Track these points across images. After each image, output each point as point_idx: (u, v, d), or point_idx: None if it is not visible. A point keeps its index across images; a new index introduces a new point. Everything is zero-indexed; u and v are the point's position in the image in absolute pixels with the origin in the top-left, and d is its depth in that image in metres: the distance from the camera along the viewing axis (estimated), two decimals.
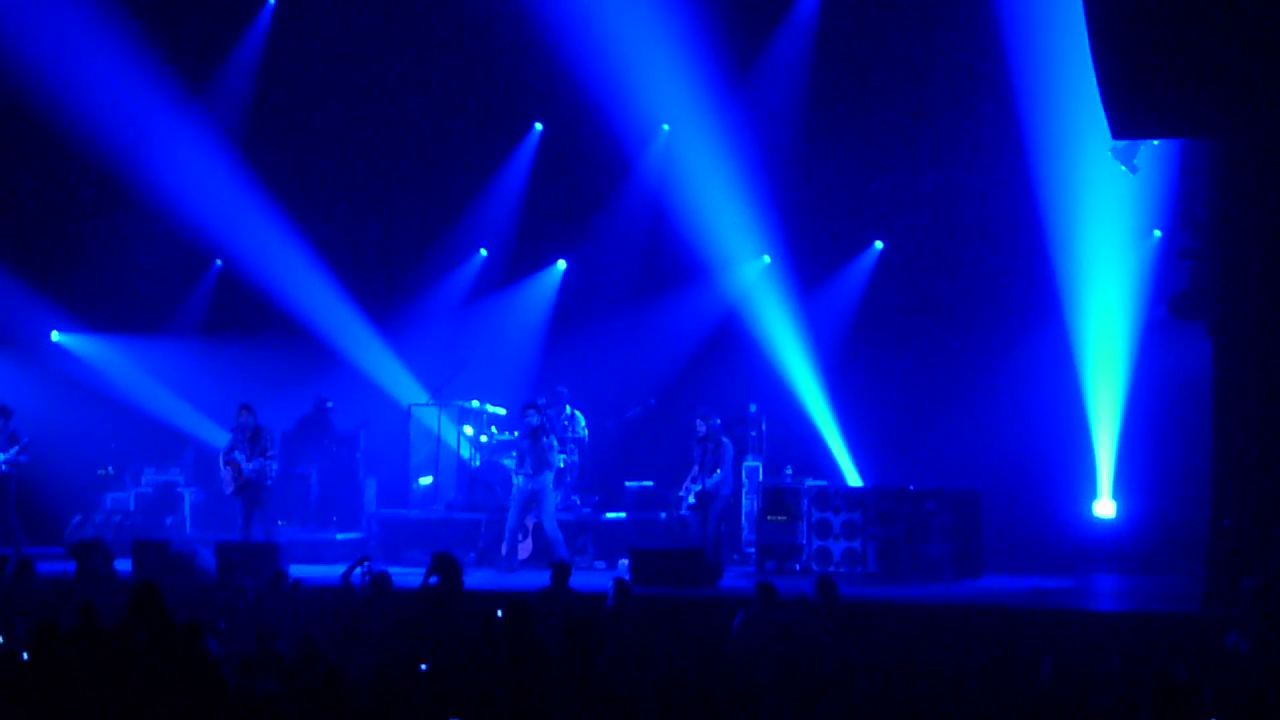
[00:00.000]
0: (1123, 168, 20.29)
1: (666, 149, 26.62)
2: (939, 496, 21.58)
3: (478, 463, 25.20)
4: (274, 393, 25.64)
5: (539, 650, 13.54)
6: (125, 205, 26.69)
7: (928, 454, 24.01)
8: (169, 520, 25.47)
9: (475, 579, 18.90)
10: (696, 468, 22.16)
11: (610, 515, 23.90)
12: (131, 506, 25.70)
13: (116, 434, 26.70)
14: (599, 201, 27.24)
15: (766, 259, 26.04)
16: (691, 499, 22.11)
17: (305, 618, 17.44)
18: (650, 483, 24.12)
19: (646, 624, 16.98)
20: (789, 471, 23.07)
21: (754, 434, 23.92)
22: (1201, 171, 19.22)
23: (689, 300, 26.69)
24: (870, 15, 25.04)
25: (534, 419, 22.37)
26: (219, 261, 27.98)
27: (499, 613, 15.09)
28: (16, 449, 22.97)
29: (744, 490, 23.31)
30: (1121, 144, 19.67)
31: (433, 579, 17.23)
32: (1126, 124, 17.21)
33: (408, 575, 18.69)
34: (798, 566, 21.81)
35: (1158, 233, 22.95)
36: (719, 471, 22.01)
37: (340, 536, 24.46)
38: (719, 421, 22.37)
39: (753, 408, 24.02)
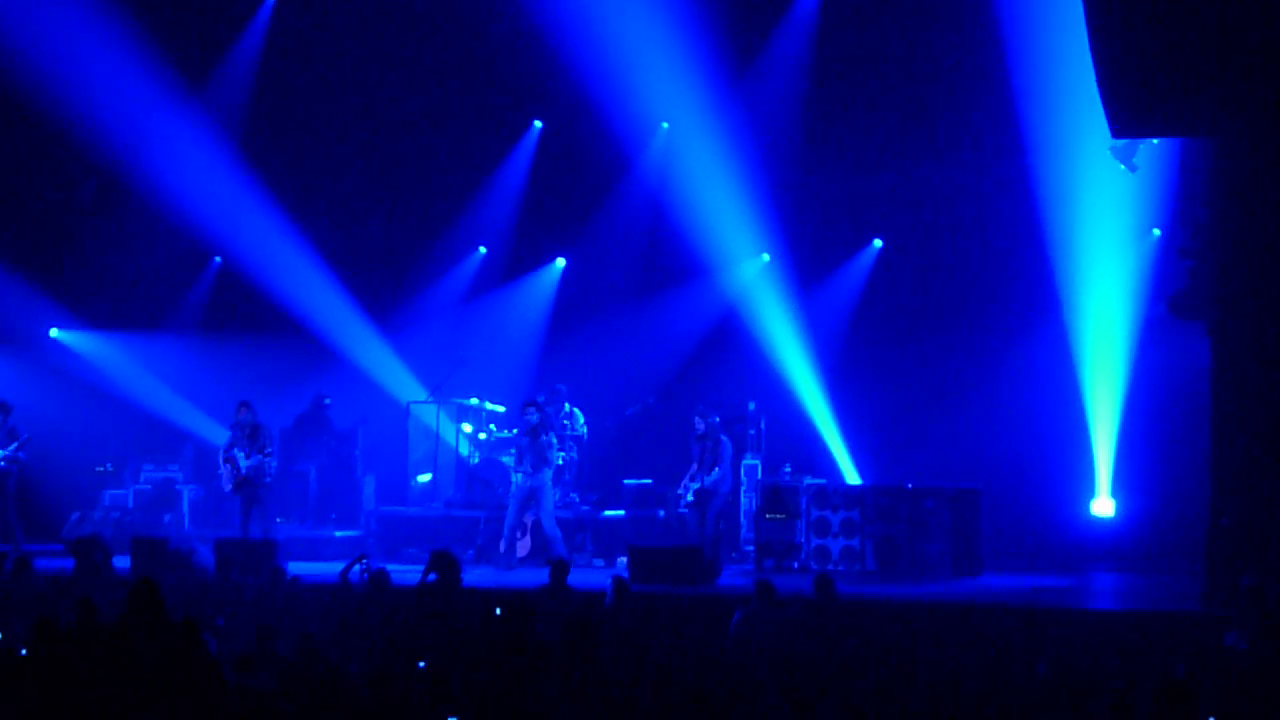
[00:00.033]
0: (1122, 166, 20.29)
1: (666, 147, 26.61)
2: (938, 495, 21.59)
3: (476, 460, 25.20)
4: (273, 390, 25.67)
5: (537, 648, 13.55)
6: (125, 202, 26.69)
7: (927, 452, 24.00)
8: (167, 517, 25.46)
9: (474, 576, 18.92)
10: (695, 465, 22.16)
11: (609, 513, 23.89)
12: (130, 503, 25.69)
13: (115, 431, 26.68)
14: (598, 199, 27.23)
15: (765, 257, 26.03)
16: (690, 497, 22.11)
17: (304, 615, 17.46)
18: (649, 481, 24.11)
19: (645, 622, 16.99)
20: (788, 469, 23.05)
21: (753, 432, 23.90)
22: (1201, 170, 19.21)
23: (688, 298, 26.69)
24: (870, 13, 25.02)
25: (533, 417, 22.37)
26: (218, 258, 27.97)
27: (497, 610, 15.13)
28: (15, 445, 22.97)
29: (743, 488, 23.29)
30: (1121, 143, 19.69)
31: (431, 576, 17.24)
32: (1126, 122, 17.23)
33: (406, 573, 18.70)
34: (796, 564, 21.80)
35: (1157, 231, 22.95)
36: (717, 469, 22.02)
37: (339, 534, 24.45)
38: (718, 419, 22.38)
39: (751, 405, 23.99)
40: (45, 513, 25.14)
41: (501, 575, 21.38)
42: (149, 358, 27.37)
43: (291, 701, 11.86)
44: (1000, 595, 19.54)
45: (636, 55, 24.98)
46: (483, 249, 28.10)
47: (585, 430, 24.53)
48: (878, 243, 25.98)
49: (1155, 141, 20.20)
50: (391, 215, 27.75)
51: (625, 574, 19.38)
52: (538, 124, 27.60)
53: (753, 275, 26.14)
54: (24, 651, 13.20)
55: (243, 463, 22.34)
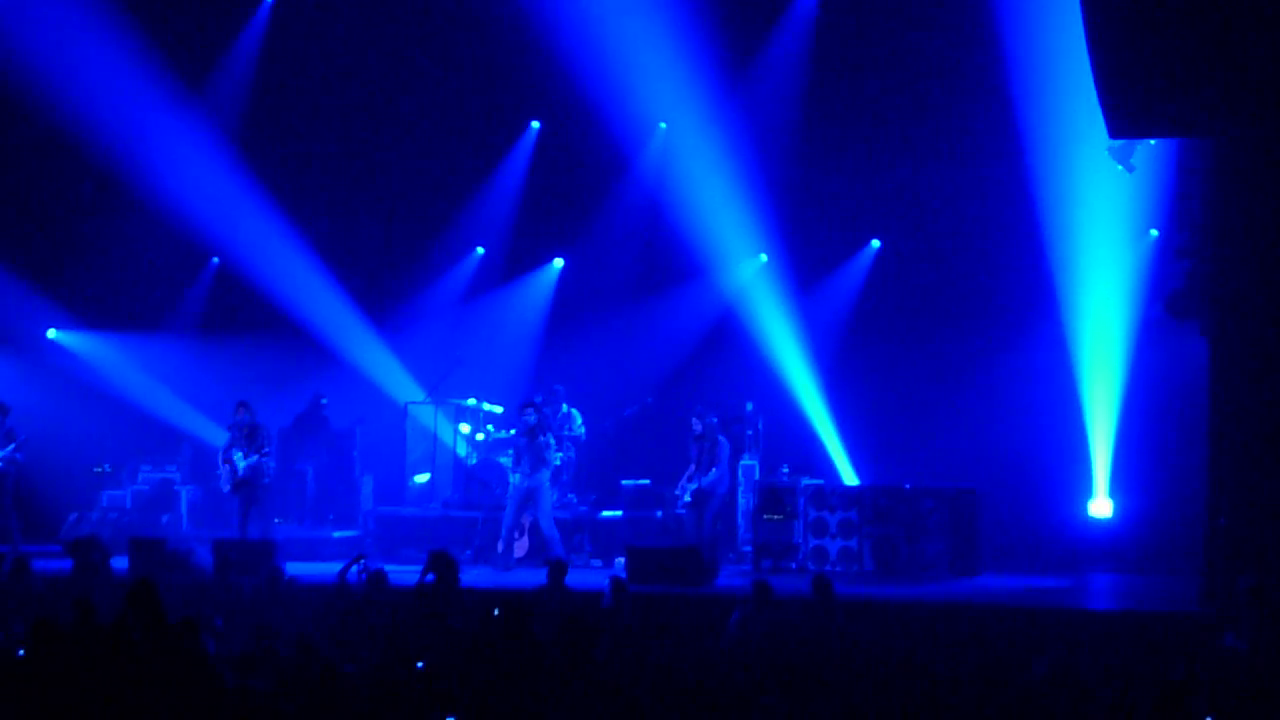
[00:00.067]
0: (1119, 167, 20.29)
1: (664, 147, 26.61)
2: (935, 495, 21.61)
3: (474, 461, 25.20)
4: (271, 390, 25.67)
5: (535, 648, 13.55)
6: (123, 203, 26.65)
7: (924, 453, 24.00)
8: (165, 518, 25.46)
9: (472, 577, 18.93)
10: (693, 466, 22.17)
11: (607, 513, 23.88)
12: (128, 504, 25.67)
13: (113, 431, 26.65)
14: (596, 200, 27.23)
15: (763, 257, 26.03)
16: (688, 497, 22.12)
17: (302, 616, 17.46)
18: (647, 481, 24.10)
19: (643, 622, 17.00)
20: (785, 470, 23.05)
21: (750, 432, 23.90)
22: (1198, 171, 19.21)
23: (686, 298, 26.69)
24: (868, 14, 25.02)
25: (531, 417, 22.37)
26: (216, 259, 27.96)
27: (495, 611, 15.12)
28: (13, 446, 22.98)
29: (740, 489, 23.29)
30: (1118, 143, 19.68)
31: (429, 577, 17.25)
32: (1123, 123, 17.21)
33: (404, 573, 18.69)
34: (794, 565, 21.81)
35: (1154, 232, 22.94)
36: (715, 470, 22.03)
37: (337, 534, 24.45)
38: (715, 420, 22.38)
39: (749, 406, 23.98)
40: (43, 513, 25.13)
41: (499, 576, 21.38)
42: (147, 358, 27.36)
43: (289, 702, 11.85)
44: (998, 596, 19.56)
45: (634, 55, 24.98)
46: (480, 249, 28.09)
47: (583, 431, 24.53)
48: (875, 243, 25.99)
49: (1152, 142, 20.19)
50: (389, 215, 27.74)
51: (623, 574, 19.37)
52: (535, 124, 27.60)
53: (751, 275, 26.14)
54: (22, 652, 13.19)
55: (241, 463, 22.37)
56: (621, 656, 14.43)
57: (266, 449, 22.43)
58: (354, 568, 18.29)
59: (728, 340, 26.11)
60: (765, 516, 22.16)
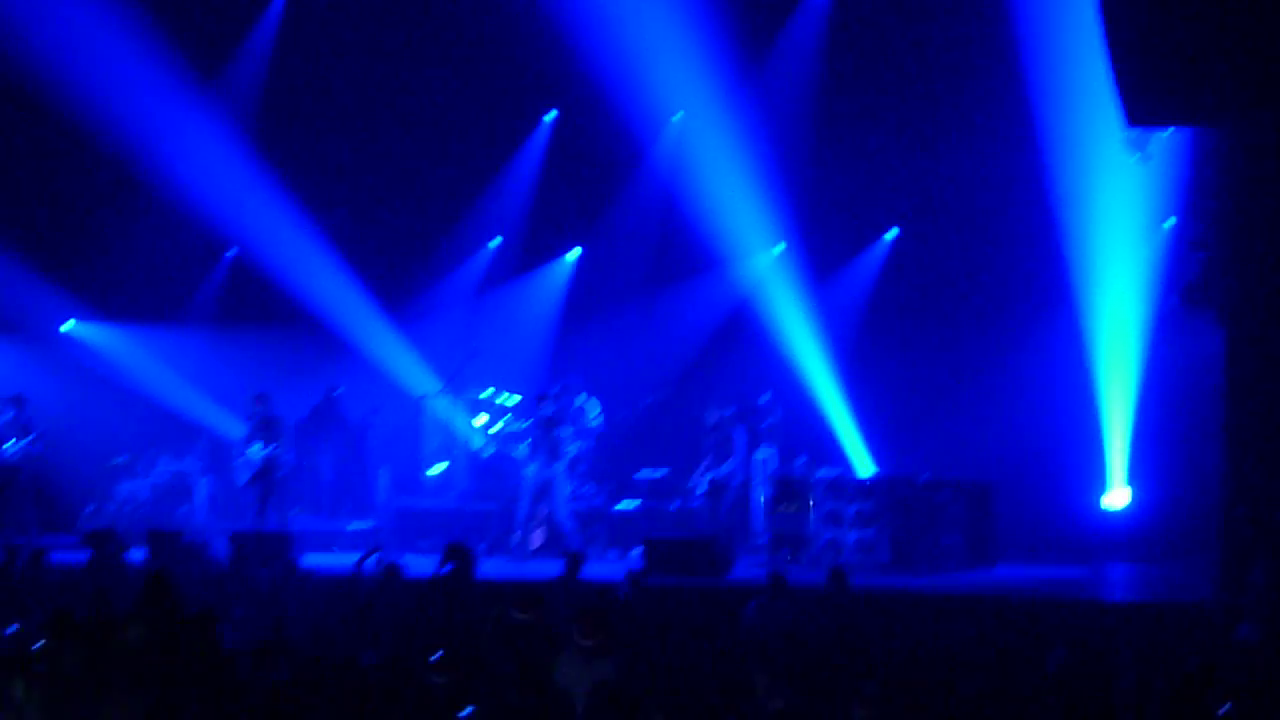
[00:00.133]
0: (1136, 156, 20.25)
1: (680, 137, 26.60)
2: (952, 486, 21.57)
3: (490, 452, 25.20)
4: (288, 382, 25.66)
5: (551, 640, 13.55)
6: (139, 195, 26.69)
7: (941, 444, 23.95)
8: (182, 510, 25.53)
9: (487, 568, 18.93)
10: (709, 457, 22.17)
11: (622, 505, 23.89)
12: (145, 496, 25.74)
13: (130, 423, 26.71)
14: (612, 190, 27.23)
15: (780, 248, 26.02)
16: (703, 489, 22.11)
17: (318, 607, 17.49)
18: (662, 472, 24.10)
19: (658, 614, 16.99)
20: (801, 461, 23.04)
21: (766, 424, 23.87)
22: (1214, 160, 19.17)
23: (702, 289, 26.69)
24: (883, 3, 25.00)
25: (547, 409, 22.38)
26: (232, 251, 27.99)
27: (513, 613, 15.11)
28: (30, 438, 23.04)
29: (756, 480, 23.27)
30: (1134, 132, 19.65)
31: (445, 568, 17.25)
32: (1140, 111, 17.20)
33: (421, 564, 18.70)
34: (809, 556, 21.79)
35: (1172, 220, 22.87)
36: (731, 461, 22.03)
37: (352, 526, 24.47)
38: (731, 411, 22.38)
39: (765, 397, 23.96)
40: (60, 505, 25.22)
41: (515, 567, 21.39)
42: (163, 350, 27.40)
43: (305, 693, 11.86)
44: (1014, 587, 19.53)
45: (650, 45, 24.96)
46: (497, 239, 28.06)
47: (599, 422, 24.51)
48: (892, 232, 25.96)
49: (1168, 132, 20.16)
50: (405, 207, 27.74)
51: (639, 566, 19.38)
52: (551, 114, 27.59)
53: (767, 266, 26.13)
54: (39, 644, 13.22)
55: (257, 456, 22.43)
56: (637, 648, 14.44)
57: (283, 441, 22.47)
58: (370, 559, 18.30)
59: (744, 331, 26.12)
60: (781, 508, 22.12)
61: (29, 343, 27.01)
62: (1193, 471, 21.70)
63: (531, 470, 22.39)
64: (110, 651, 12.14)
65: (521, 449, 23.47)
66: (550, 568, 19.16)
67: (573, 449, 22.92)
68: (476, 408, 25.84)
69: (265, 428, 22.56)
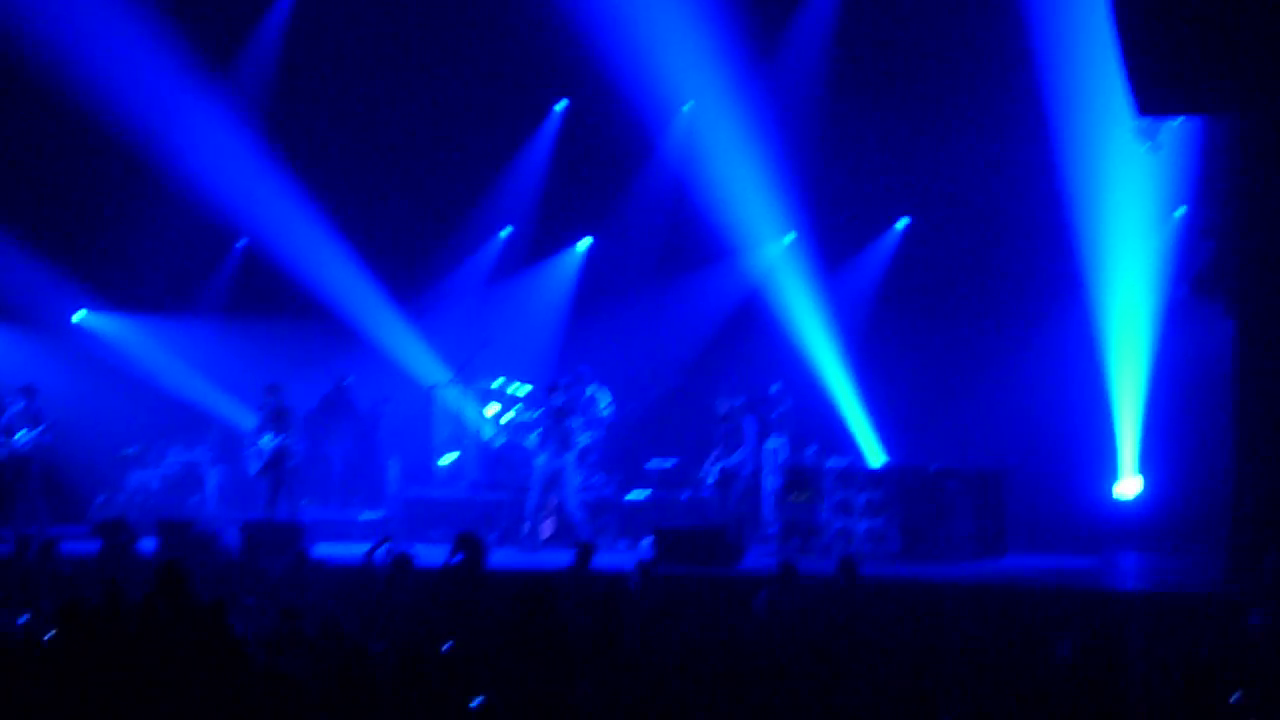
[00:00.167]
0: (1146, 146, 20.23)
1: (690, 127, 26.59)
2: (962, 475, 21.55)
3: (500, 442, 25.22)
4: (298, 372, 25.68)
5: (562, 629, 13.58)
6: (150, 185, 26.69)
7: (951, 433, 23.90)
8: (193, 500, 25.57)
9: (498, 558, 18.94)
10: (719, 447, 22.17)
11: (633, 495, 23.90)
12: (156, 486, 25.78)
13: (141, 413, 26.73)
14: (623, 179, 27.22)
15: (790, 237, 26.01)
16: (714, 478, 22.13)
17: (329, 597, 17.51)
18: (672, 462, 24.11)
19: (669, 603, 17.00)
20: (812, 451, 23.04)
21: (777, 413, 23.86)
22: (1224, 150, 19.15)
23: (713, 279, 26.69)
24: None
25: (558, 399, 22.40)
26: (243, 240, 28.01)
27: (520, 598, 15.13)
28: (41, 428, 23.07)
29: (766, 469, 23.26)
30: (1145, 121, 19.62)
31: (456, 558, 17.26)
32: (1150, 100, 17.18)
33: (431, 554, 18.72)
34: (820, 546, 21.78)
35: (1182, 209, 22.84)
36: (741, 450, 22.03)
37: (363, 516, 24.49)
38: (741, 401, 22.37)
39: (775, 387, 23.95)
40: (71, 495, 25.25)
41: (525, 557, 21.40)
42: (174, 340, 27.42)
43: (317, 683, 11.89)
44: (1024, 576, 19.52)
45: (660, 35, 24.95)
46: (508, 228, 28.06)
47: (609, 412, 24.51)
48: (903, 222, 25.94)
49: (1178, 121, 20.14)
50: (416, 196, 27.74)
51: (649, 556, 19.39)
52: (562, 104, 27.58)
53: (777, 255, 26.12)
54: (50, 634, 13.25)
55: (268, 446, 22.46)
56: (648, 638, 14.46)
57: (294, 431, 22.50)
58: (380, 549, 18.32)
59: (754, 320, 26.11)
60: (791, 497, 22.12)
61: (40, 333, 27.01)
62: (1203, 460, 21.68)
63: (542, 460, 22.40)
64: (122, 642, 12.18)
65: (532, 439, 23.46)
66: (561, 558, 19.18)
67: (583, 439, 22.94)
68: (487, 397, 25.84)
69: (276, 418, 22.59)
